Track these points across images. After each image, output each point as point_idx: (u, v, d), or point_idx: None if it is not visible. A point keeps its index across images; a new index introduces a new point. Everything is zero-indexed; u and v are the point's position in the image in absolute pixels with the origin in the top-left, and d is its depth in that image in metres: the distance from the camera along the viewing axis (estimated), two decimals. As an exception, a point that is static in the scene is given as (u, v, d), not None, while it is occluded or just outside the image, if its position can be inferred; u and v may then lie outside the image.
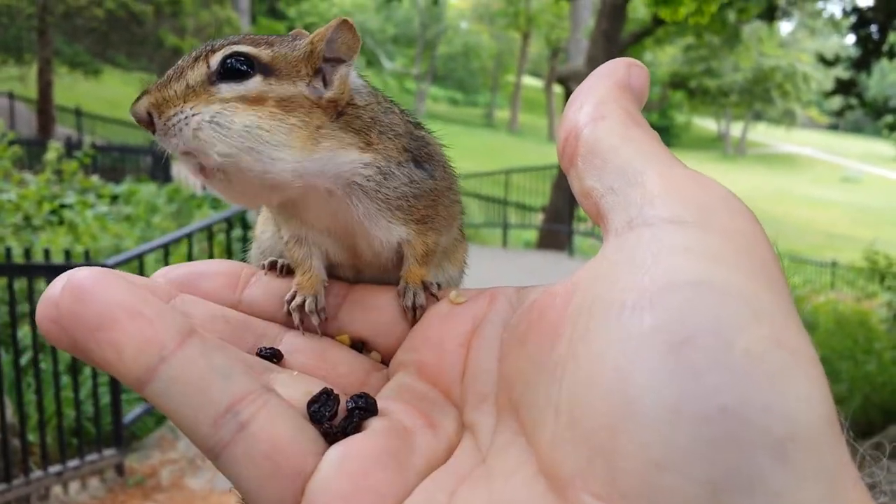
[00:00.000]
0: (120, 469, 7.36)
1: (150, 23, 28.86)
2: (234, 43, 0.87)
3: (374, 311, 0.89)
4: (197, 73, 0.85)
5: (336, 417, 0.68)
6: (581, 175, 0.66)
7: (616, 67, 0.72)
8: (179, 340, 0.64)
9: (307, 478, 0.62)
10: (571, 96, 0.72)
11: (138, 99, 0.85)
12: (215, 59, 0.85)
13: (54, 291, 0.64)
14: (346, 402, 0.70)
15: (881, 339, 12.87)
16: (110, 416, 7.52)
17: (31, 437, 7.05)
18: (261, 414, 0.64)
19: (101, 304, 0.63)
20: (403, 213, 0.93)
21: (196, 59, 0.87)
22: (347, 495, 0.60)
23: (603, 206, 0.63)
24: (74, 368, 7.19)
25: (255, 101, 0.84)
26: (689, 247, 0.54)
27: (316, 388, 0.71)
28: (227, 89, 0.83)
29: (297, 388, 0.72)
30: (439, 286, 0.94)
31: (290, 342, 0.85)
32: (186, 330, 0.65)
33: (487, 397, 0.71)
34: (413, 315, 0.88)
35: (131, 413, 7.82)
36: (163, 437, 7.99)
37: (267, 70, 0.85)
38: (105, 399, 7.57)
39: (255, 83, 0.84)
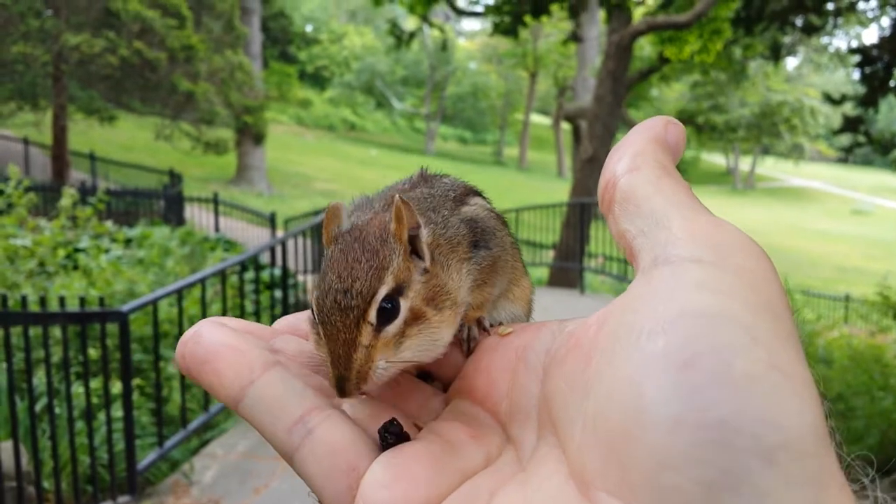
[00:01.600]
0: (134, 515, 7.35)
1: (163, 69, 29.23)
2: (374, 290, 0.89)
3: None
4: (365, 335, 0.87)
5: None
6: (617, 219, 0.73)
7: (654, 124, 0.79)
8: (264, 368, 0.80)
9: (361, 475, 0.73)
10: (613, 149, 0.79)
11: (340, 389, 0.87)
12: (372, 315, 0.88)
13: (186, 337, 0.82)
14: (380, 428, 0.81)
15: (897, 375, 12.71)
16: (124, 463, 7.54)
17: (46, 483, 7.06)
18: (325, 423, 0.77)
19: (210, 343, 0.81)
20: None
21: (351, 324, 0.88)
22: (388, 483, 0.70)
23: (635, 246, 0.70)
24: (89, 415, 7.22)
25: (412, 319, 0.90)
26: (702, 282, 0.61)
27: (378, 410, 0.84)
28: (392, 329, 0.89)
29: (362, 409, 0.85)
30: (501, 324, 1.02)
31: None
32: (271, 361, 0.82)
33: (530, 416, 0.79)
34: (468, 346, 0.97)
35: (145, 459, 7.82)
36: (176, 482, 7.97)
37: (401, 290, 0.90)
38: (119, 445, 7.58)
39: (402, 309, 0.89)
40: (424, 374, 0.98)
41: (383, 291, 0.88)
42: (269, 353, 0.83)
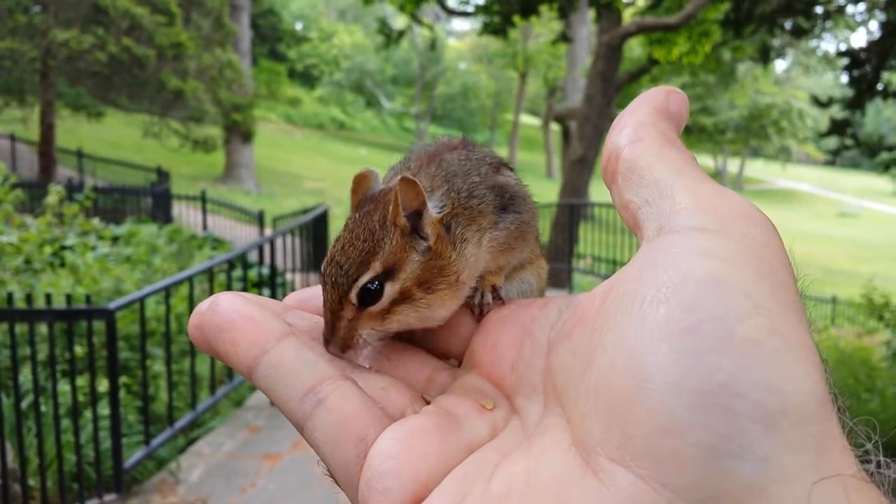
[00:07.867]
0: (120, 514, 7.30)
1: (151, 66, 29.08)
2: (359, 274, 0.92)
3: (451, 327, 0.99)
4: (347, 311, 0.91)
5: None
6: (621, 190, 0.73)
7: (655, 94, 0.80)
8: (278, 338, 0.81)
9: (370, 445, 0.74)
10: (615, 120, 0.78)
11: (325, 346, 0.90)
12: (353, 296, 0.92)
13: (202, 307, 0.83)
14: None
15: (883, 377, 12.80)
16: (111, 461, 7.50)
17: (32, 481, 7.02)
18: (335, 393, 0.78)
19: (227, 313, 0.82)
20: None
21: (337, 299, 0.92)
22: (396, 454, 0.71)
23: (639, 217, 0.70)
24: (75, 412, 7.17)
25: (401, 299, 0.93)
26: (705, 250, 0.61)
27: (388, 383, 0.86)
28: (376, 308, 0.92)
29: (372, 382, 0.85)
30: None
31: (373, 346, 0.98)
32: (285, 332, 0.83)
33: (536, 387, 0.80)
34: (480, 312, 0.98)
35: (132, 457, 7.78)
36: (163, 480, 7.93)
37: (390, 273, 0.92)
38: (106, 443, 7.54)
39: (388, 293, 0.92)
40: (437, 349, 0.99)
41: (367, 276, 0.91)
42: (284, 324, 0.84)
